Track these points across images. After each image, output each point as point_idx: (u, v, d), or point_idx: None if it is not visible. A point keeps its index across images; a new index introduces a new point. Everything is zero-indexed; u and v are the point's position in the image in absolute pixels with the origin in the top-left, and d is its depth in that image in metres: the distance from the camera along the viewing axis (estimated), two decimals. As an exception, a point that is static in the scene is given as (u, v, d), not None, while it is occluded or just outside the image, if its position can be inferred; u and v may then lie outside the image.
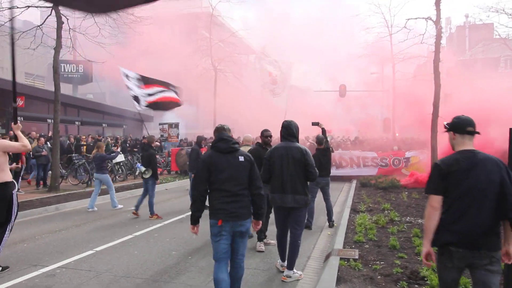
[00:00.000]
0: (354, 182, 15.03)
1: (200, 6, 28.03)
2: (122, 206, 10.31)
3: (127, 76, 11.06)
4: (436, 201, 2.90)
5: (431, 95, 12.36)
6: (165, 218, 9.01)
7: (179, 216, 9.29)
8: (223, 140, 3.96)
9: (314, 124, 8.51)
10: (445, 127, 3.07)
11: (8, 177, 5.30)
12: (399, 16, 27.72)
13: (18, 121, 5.54)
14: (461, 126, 2.99)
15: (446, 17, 39.46)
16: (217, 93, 24.72)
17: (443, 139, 14.95)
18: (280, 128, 5.19)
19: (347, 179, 16.41)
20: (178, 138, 22.15)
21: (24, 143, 5.38)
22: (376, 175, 16.15)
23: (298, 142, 5.13)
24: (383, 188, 12.85)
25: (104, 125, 26.35)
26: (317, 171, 5.05)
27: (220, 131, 4.26)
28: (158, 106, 12.19)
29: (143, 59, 34.77)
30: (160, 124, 24.76)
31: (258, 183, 3.98)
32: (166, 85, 12.11)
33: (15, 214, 5.36)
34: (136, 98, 10.92)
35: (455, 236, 2.82)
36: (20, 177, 13.56)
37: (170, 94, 12.06)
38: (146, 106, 11.42)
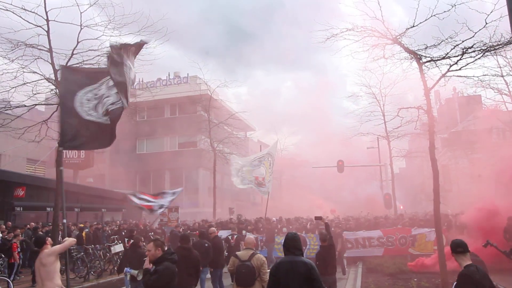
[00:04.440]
0: (360, 267, 14.55)
1: (199, 90, 29.27)
2: None
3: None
4: None
5: (428, 170, 12.36)
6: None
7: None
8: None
9: (317, 218, 8.48)
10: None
11: (57, 286, 5.58)
12: (390, 96, 29.06)
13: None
14: None
15: (435, 90, 41.01)
16: (217, 172, 24.96)
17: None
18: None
19: (352, 260, 15.91)
20: (178, 221, 21.89)
21: (70, 242, 6.40)
22: (382, 255, 15.70)
23: (302, 255, 5.08)
24: (391, 274, 12.43)
25: (103, 210, 26.11)
26: (324, 285, 4.93)
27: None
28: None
29: (143, 141, 35.69)
30: (160, 207, 24.49)
31: None
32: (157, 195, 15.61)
33: None
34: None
35: None
36: (14, 273, 13.23)
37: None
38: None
